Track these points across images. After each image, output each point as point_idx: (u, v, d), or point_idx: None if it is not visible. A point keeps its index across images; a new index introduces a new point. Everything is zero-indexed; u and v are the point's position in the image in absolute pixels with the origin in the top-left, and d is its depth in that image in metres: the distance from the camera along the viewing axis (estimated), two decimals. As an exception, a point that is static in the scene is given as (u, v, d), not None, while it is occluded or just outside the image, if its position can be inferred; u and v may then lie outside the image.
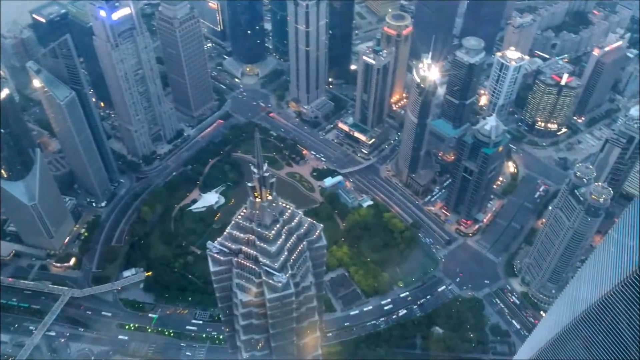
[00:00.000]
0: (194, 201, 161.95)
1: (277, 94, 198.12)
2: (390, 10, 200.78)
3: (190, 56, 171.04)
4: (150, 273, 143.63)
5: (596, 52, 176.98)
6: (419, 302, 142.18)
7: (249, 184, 79.51)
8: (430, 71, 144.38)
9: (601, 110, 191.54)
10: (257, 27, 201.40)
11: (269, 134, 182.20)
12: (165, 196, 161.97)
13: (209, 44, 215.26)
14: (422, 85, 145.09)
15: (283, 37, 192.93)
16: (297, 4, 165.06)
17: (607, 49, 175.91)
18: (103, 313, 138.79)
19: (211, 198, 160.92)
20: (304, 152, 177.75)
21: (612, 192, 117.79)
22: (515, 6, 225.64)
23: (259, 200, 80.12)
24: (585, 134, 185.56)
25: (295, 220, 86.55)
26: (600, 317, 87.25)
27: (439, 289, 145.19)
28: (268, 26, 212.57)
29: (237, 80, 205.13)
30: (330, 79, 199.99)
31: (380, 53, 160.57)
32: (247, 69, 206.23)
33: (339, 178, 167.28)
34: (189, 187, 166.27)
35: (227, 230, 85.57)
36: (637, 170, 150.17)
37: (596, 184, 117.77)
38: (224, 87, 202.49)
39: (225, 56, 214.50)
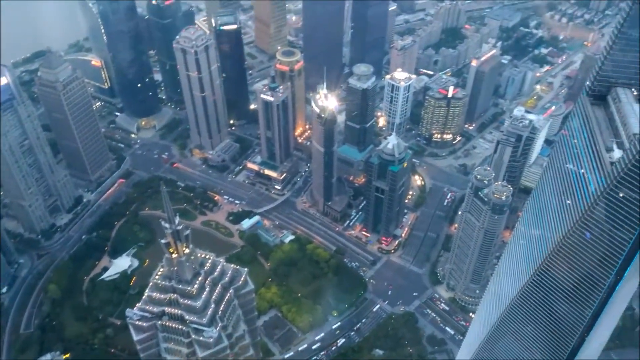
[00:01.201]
0: (105, 269, 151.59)
1: (179, 143, 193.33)
2: (279, 47, 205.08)
3: (79, 119, 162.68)
4: (68, 355, 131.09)
5: (474, 63, 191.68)
6: (355, 328, 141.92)
7: (163, 241, 76.03)
8: (327, 101, 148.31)
9: (488, 115, 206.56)
10: (147, 80, 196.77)
11: (176, 185, 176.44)
12: (72, 269, 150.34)
13: (98, 103, 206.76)
14: (322, 115, 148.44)
15: (176, 86, 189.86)
16: (185, 52, 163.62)
17: (483, 58, 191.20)
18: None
19: (123, 263, 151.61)
20: (216, 198, 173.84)
21: (511, 188, 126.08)
22: (395, 30, 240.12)
23: (176, 255, 76.60)
24: (478, 139, 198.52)
25: (217, 270, 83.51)
26: (524, 308, 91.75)
27: (373, 310, 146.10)
28: (158, 77, 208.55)
29: (133, 135, 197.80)
30: (231, 121, 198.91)
31: (277, 89, 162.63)
32: (143, 123, 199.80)
33: (257, 218, 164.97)
34: (97, 255, 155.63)
35: (145, 294, 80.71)
36: (530, 165, 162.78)
37: (496, 183, 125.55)
38: (120, 144, 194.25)
39: (117, 113, 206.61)
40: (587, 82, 75.60)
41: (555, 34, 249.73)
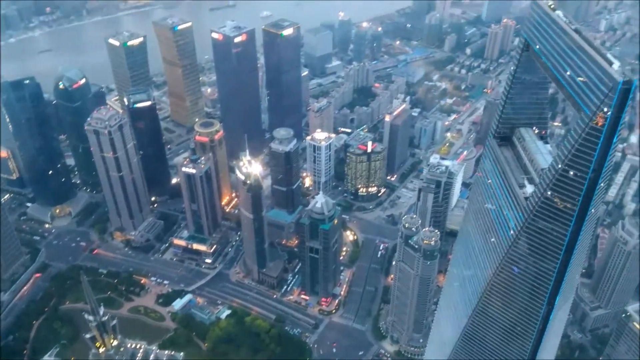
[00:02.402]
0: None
1: (98, 227, 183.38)
2: (197, 119, 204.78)
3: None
4: None
5: (387, 118, 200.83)
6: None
7: (87, 336, 70.02)
8: (251, 167, 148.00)
9: (407, 166, 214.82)
10: (59, 165, 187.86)
11: (97, 273, 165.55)
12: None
13: (7, 196, 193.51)
14: (247, 182, 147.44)
15: (91, 168, 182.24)
16: (98, 133, 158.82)
17: (395, 113, 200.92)
18: None
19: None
20: (143, 281, 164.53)
21: (438, 233, 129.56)
22: (310, 94, 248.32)
23: (104, 349, 70.52)
24: (401, 189, 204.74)
25: (150, 359, 77.38)
26: (467, 351, 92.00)
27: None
28: (71, 161, 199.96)
29: (47, 225, 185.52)
30: (153, 198, 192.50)
31: (199, 161, 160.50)
32: (57, 211, 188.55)
33: (189, 297, 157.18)
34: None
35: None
36: (452, 209, 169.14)
37: (424, 229, 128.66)
38: (34, 237, 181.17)
39: (28, 203, 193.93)
40: (492, 126, 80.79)
41: (457, 85, 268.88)
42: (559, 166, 63.13)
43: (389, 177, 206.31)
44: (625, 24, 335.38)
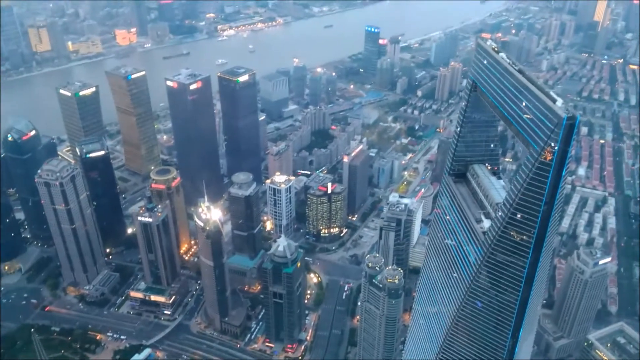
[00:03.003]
0: None
1: (50, 283, 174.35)
2: (152, 167, 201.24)
3: None
4: None
5: (346, 159, 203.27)
6: None
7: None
8: (210, 213, 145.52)
9: (367, 205, 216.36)
10: (8, 220, 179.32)
11: (50, 331, 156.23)
12: None
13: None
14: (207, 228, 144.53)
15: (41, 222, 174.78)
16: (49, 185, 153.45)
17: (353, 154, 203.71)
18: None
19: None
20: (99, 337, 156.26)
21: (401, 271, 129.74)
22: (268, 138, 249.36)
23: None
24: (362, 228, 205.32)
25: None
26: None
27: None
28: (21, 215, 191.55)
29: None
30: (108, 250, 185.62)
31: (155, 209, 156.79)
32: (6, 268, 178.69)
33: (148, 351, 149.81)
34: None
35: None
36: (413, 246, 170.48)
37: (387, 268, 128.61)
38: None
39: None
40: (447, 163, 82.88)
41: (411, 125, 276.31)
42: (513, 200, 65.01)
43: (350, 217, 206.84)
44: (565, 63, 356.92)
